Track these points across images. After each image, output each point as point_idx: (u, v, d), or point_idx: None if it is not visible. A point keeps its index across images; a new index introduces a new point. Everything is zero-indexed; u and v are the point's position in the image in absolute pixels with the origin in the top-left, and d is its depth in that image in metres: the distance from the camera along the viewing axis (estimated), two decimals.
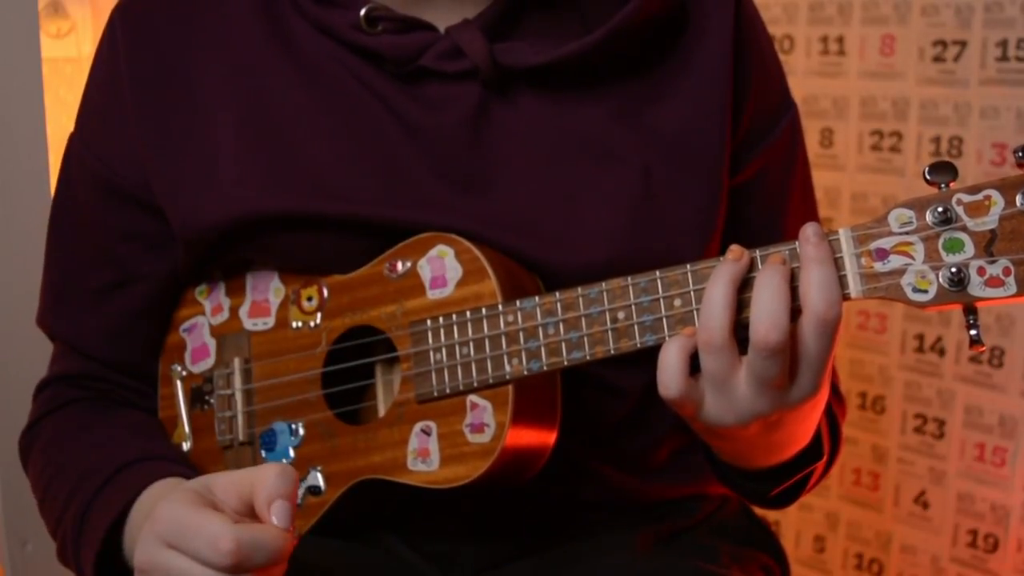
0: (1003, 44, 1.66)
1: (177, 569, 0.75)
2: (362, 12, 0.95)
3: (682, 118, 0.96)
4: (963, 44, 1.71)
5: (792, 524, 2.05)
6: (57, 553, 0.97)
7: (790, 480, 0.93)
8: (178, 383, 1.04)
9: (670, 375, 0.80)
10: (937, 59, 1.74)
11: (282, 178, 0.94)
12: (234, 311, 1.01)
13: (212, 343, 1.02)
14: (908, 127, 1.79)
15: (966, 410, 1.76)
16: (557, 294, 0.86)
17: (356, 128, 0.95)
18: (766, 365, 0.78)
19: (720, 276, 0.79)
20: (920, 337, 1.81)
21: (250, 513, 0.78)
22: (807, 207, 1.06)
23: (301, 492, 0.96)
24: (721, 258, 0.80)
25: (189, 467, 0.96)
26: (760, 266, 0.80)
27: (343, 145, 0.95)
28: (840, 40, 1.88)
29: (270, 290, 0.99)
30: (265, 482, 0.76)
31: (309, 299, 0.97)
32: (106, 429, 1.01)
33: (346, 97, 0.96)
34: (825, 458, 0.95)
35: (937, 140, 1.75)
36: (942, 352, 1.78)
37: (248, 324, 1.01)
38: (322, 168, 0.94)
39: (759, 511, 1.12)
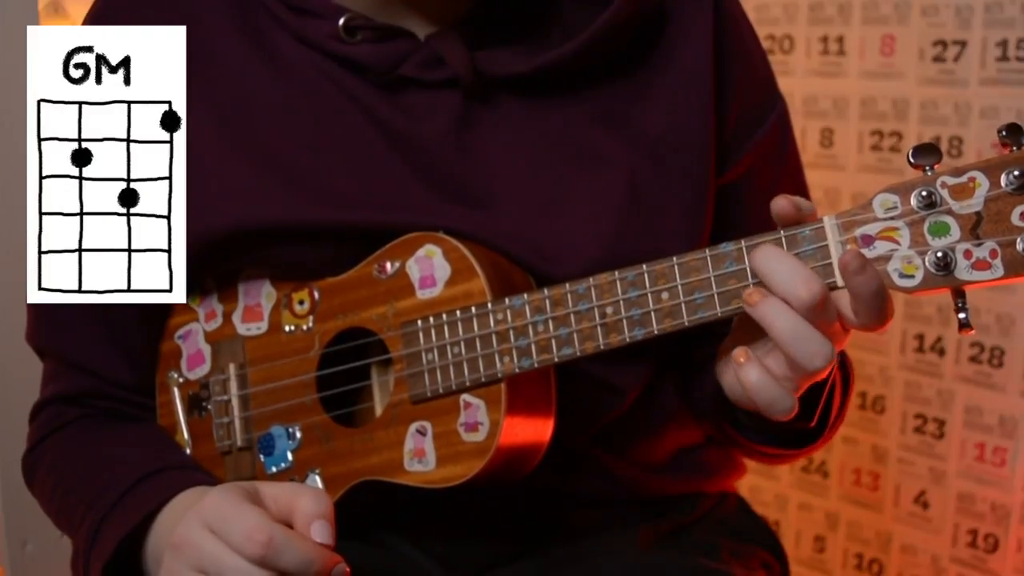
0: (1003, 44, 1.66)
1: (209, 552, 0.79)
2: (341, 22, 0.95)
3: (665, 118, 0.96)
4: (963, 44, 1.71)
5: (792, 524, 2.05)
6: (71, 562, 0.97)
7: (824, 392, 0.92)
8: (175, 390, 1.04)
9: (778, 393, 0.80)
10: (937, 59, 1.74)
11: (268, 190, 0.94)
12: (227, 316, 1.01)
13: (207, 349, 1.02)
14: (908, 127, 1.79)
15: (966, 410, 1.75)
16: (545, 291, 0.86)
17: (339, 137, 0.95)
18: (825, 314, 0.77)
19: (769, 311, 0.78)
20: (920, 337, 1.81)
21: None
22: None
23: None
24: (746, 305, 0.80)
25: (207, 474, 0.97)
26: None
27: (327, 154, 0.95)
28: (840, 40, 1.87)
29: (262, 295, 0.99)
30: (303, 503, 0.80)
31: (301, 303, 0.97)
32: (118, 441, 1.01)
33: (328, 107, 0.96)
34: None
35: (937, 140, 1.74)
36: (942, 352, 1.78)
37: (242, 329, 1.00)
38: (307, 178, 0.94)
39: (758, 509, 1.12)
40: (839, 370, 0.95)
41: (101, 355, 1.03)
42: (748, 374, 0.80)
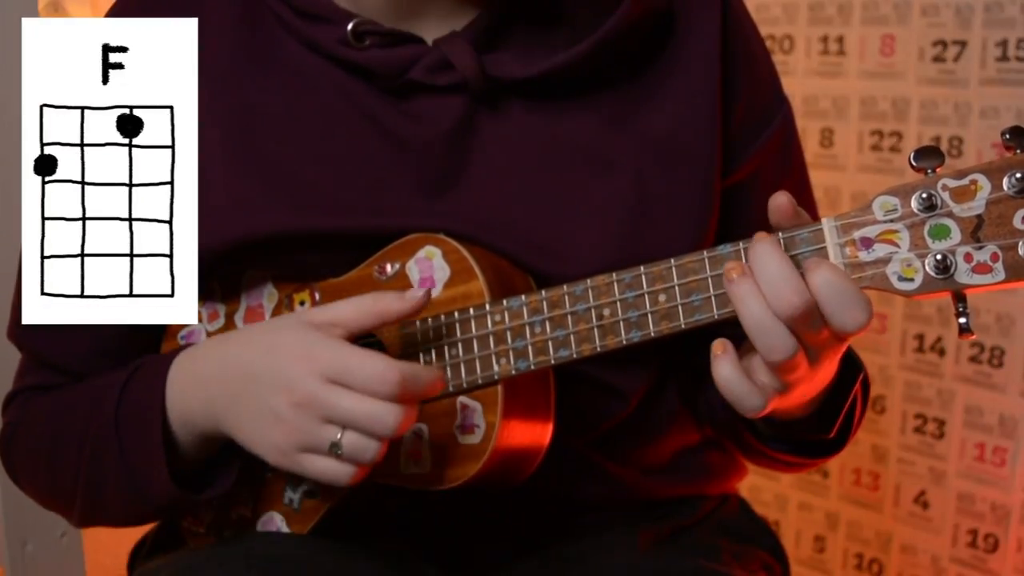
0: (1003, 44, 1.66)
1: (340, 404, 0.82)
2: (349, 27, 0.95)
3: (673, 121, 0.96)
4: (963, 44, 1.70)
5: (792, 524, 2.05)
6: (82, 513, 0.97)
7: (846, 403, 0.91)
8: None
9: (746, 391, 0.78)
10: (937, 59, 1.74)
11: (272, 200, 0.94)
12: (230, 317, 1.00)
13: None
14: (908, 127, 1.79)
15: (966, 410, 1.75)
16: (543, 292, 0.86)
17: (345, 144, 0.95)
18: (808, 325, 0.76)
19: (742, 293, 0.77)
20: (920, 337, 1.81)
21: None
22: (805, 206, 1.05)
23: (298, 496, 0.96)
24: (725, 279, 0.78)
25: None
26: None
27: (332, 161, 0.95)
28: (840, 40, 1.87)
29: (263, 295, 0.99)
30: (390, 304, 0.86)
31: (302, 303, 0.97)
32: (88, 381, 1.00)
33: (334, 113, 0.96)
34: (861, 374, 0.93)
35: (937, 140, 1.74)
36: (942, 352, 1.78)
37: None
38: (311, 186, 0.94)
39: (758, 509, 1.11)
40: (860, 383, 0.94)
41: (81, 358, 1.02)
42: (720, 369, 0.79)
